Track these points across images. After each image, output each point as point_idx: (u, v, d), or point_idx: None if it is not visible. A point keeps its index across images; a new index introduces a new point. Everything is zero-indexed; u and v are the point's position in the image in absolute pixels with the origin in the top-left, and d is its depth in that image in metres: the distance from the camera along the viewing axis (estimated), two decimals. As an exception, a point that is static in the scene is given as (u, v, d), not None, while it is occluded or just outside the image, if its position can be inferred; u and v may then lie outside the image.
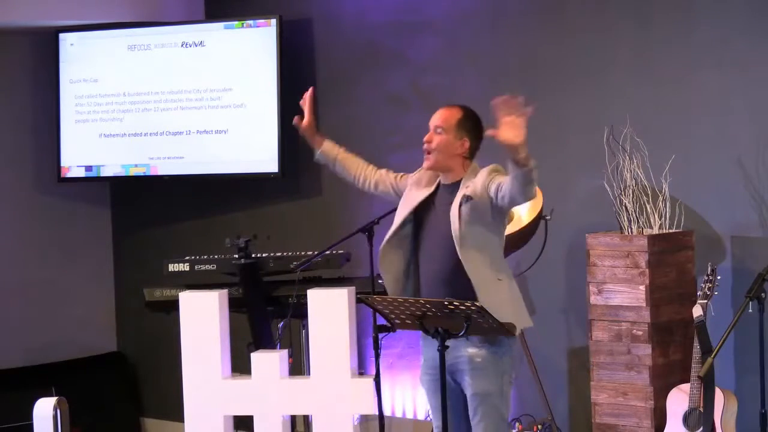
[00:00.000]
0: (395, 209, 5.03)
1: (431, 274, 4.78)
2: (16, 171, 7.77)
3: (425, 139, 4.80)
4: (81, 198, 7.98)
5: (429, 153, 4.80)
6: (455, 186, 4.80)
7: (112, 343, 8.15)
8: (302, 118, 5.11)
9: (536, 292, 6.34)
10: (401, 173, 5.05)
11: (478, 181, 4.73)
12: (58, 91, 7.59)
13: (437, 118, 4.84)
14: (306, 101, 5.11)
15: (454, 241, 4.68)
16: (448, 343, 4.59)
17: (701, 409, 5.27)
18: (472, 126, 4.84)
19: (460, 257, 4.66)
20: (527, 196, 4.60)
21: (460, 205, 4.70)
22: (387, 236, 4.86)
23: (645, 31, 6.01)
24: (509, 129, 4.41)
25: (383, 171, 5.09)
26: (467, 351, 4.71)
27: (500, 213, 4.76)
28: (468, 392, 4.75)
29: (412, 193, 4.91)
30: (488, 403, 4.72)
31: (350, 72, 7.09)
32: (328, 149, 5.15)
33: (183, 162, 7.34)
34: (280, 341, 6.07)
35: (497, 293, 4.67)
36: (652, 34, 5.99)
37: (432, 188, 4.87)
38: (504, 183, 4.61)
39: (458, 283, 4.67)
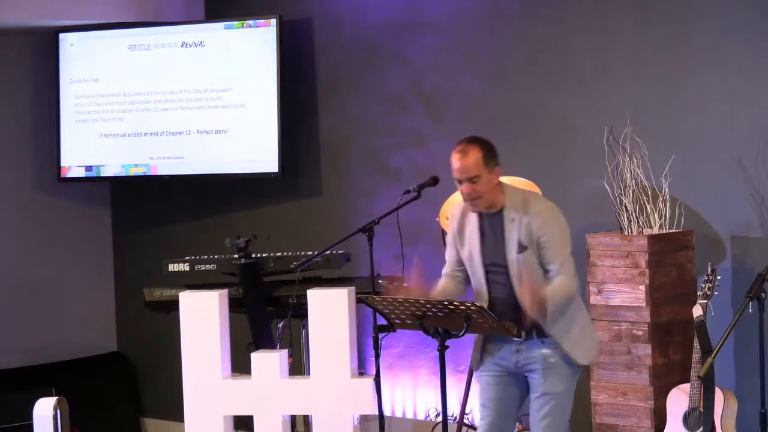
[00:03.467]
0: (396, 209, 5.03)
1: (500, 301, 4.78)
2: (16, 171, 7.76)
3: (466, 193, 4.73)
4: (81, 198, 7.98)
5: (475, 200, 4.74)
6: (498, 215, 4.78)
7: (112, 343, 8.15)
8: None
9: (536, 292, 6.33)
10: (448, 248, 4.98)
11: (531, 228, 4.71)
12: (58, 91, 7.59)
13: (466, 170, 4.72)
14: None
15: (514, 288, 4.72)
16: (521, 345, 4.70)
17: (701, 409, 5.26)
18: (493, 153, 4.80)
19: (519, 300, 4.68)
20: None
21: (517, 252, 4.71)
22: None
23: (645, 31, 6.01)
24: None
25: (451, 268, 4.96)
26: (541, 352, 4.75)
27: None
28: (537, 391, 4.78)
29: (467, 236, 4.87)
30: (556, 402, 4.77)
31: (350, 72, 7.09)
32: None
33: (183, 162, 7.34)
34: (280, 341, 6.07)
35: (565, 327, 4.74)
36: (652, 34, 5.99)
37: (476, 220, 4.84)
38: (552, 272, 4.72)
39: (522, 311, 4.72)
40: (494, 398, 4.85)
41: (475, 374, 5.02)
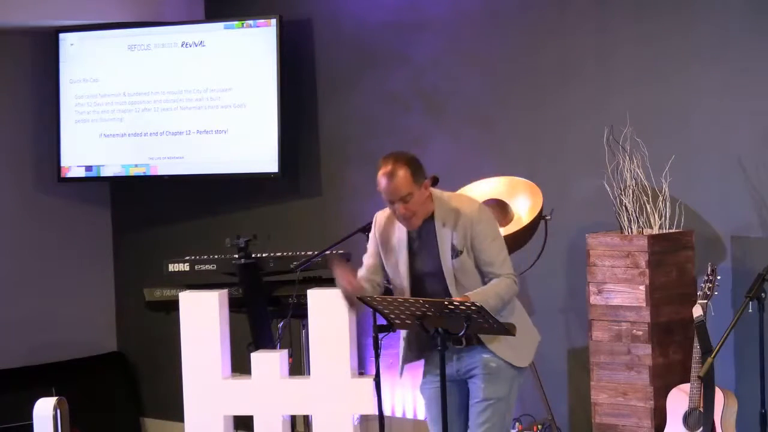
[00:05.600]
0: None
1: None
2: (16, 171, 7.77)
3: (401, 213, 4.62)
4: (81, 198, 7.98)
5: (410, 218, 4.64)
6: (429, 220, 4.70)
7: (112, 343, 8.15)
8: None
9: (536, 292, 6.34)
10: (367, 252, 4.87)
11: (464, 230, 4.64)
12: (58, 91, 7.59)
13: (397, 192, 4.58)
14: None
15: (450, 291, 4.67)
16: (462, 352, 4.64)
17: (701, 409, 5.27)
18: (419, 167, 4.67)
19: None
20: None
21: (452, 258, 4.65)
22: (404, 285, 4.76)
23: (645, 31, 6.01)
24: None
25: (369, 273, 4.82)
26: (483, 357, 4.72)
27: None
28: (477, 396, 4.75)
29: (393, 244, 4.77)
30: (496, 407, 4.73)
31: (350, 72, 7.09)
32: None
33: (183, 162, 7.34)
34: (280, 341, 6.07)
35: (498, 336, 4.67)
36: (652, 34, 5.99)
37: (405, 228, 4.74)
38: (491, 273, 4.66)
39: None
40: (434, 416, 4.80)
41: (420, 387, 4.94)
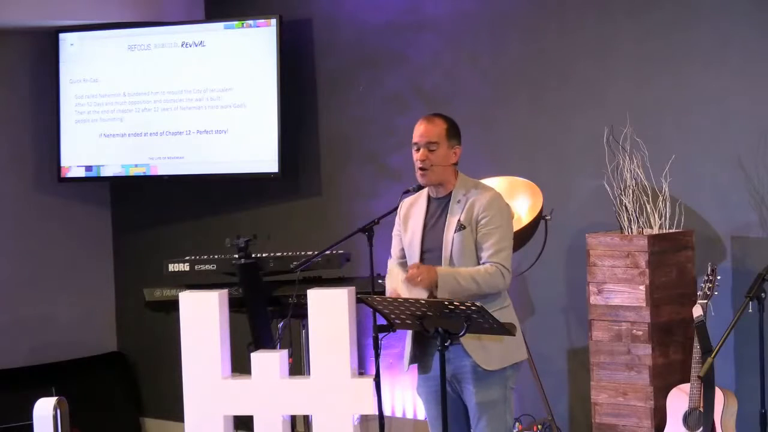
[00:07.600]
0: (395, 209, 5.02)
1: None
2: (16, 171, 7.77)
3: (419, 158, 4.76)
4: (81, 198, 7.98)
5: (425, 170, 4.76)
6: (446, 198, 4.81)
7: (112, 343, 8.15)
8: None
9: (536, 292, 6.34)
10: (394, 239, 4.98)
11: (473, 208, 4.72)
12: (58, 91, 7.59)
13: (427, 135, 4.76)
14: None
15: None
16: (448, 354, 4.60)
17: (701, 409, 5.27)
18: (458, 132, 4.84)
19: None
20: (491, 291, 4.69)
21: (455, 231, 4.71)
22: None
23: (645, 30, 6.01)
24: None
25: (397, 258, 4.97)
26: (471, 361, 4.71)
27: None
28: (471, 401, 4.75)
29: (411, 222, 4.88)
30: (493, 411, 4.73)
31: (350, 72, 7.09)
32: None
33: (183, 162, 7.34)
34: (280, 341, 6.07)
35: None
36: (652, 34, 5.99)
37: (424, 206, 4.86)
38: (483, 258, 4.68)
39: None
40: (434, 417, 4.81)
41: (416, 388, 4.97)
